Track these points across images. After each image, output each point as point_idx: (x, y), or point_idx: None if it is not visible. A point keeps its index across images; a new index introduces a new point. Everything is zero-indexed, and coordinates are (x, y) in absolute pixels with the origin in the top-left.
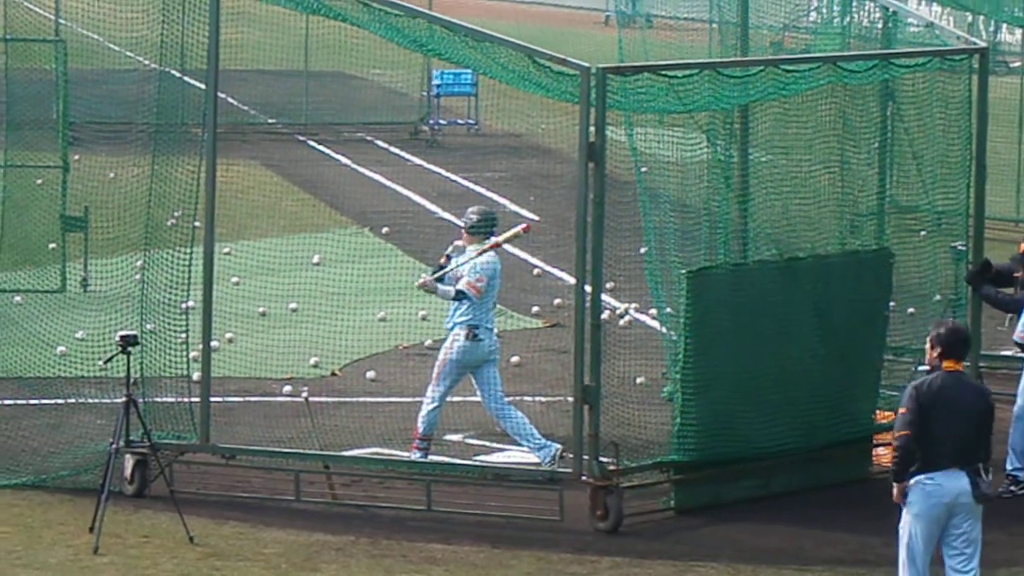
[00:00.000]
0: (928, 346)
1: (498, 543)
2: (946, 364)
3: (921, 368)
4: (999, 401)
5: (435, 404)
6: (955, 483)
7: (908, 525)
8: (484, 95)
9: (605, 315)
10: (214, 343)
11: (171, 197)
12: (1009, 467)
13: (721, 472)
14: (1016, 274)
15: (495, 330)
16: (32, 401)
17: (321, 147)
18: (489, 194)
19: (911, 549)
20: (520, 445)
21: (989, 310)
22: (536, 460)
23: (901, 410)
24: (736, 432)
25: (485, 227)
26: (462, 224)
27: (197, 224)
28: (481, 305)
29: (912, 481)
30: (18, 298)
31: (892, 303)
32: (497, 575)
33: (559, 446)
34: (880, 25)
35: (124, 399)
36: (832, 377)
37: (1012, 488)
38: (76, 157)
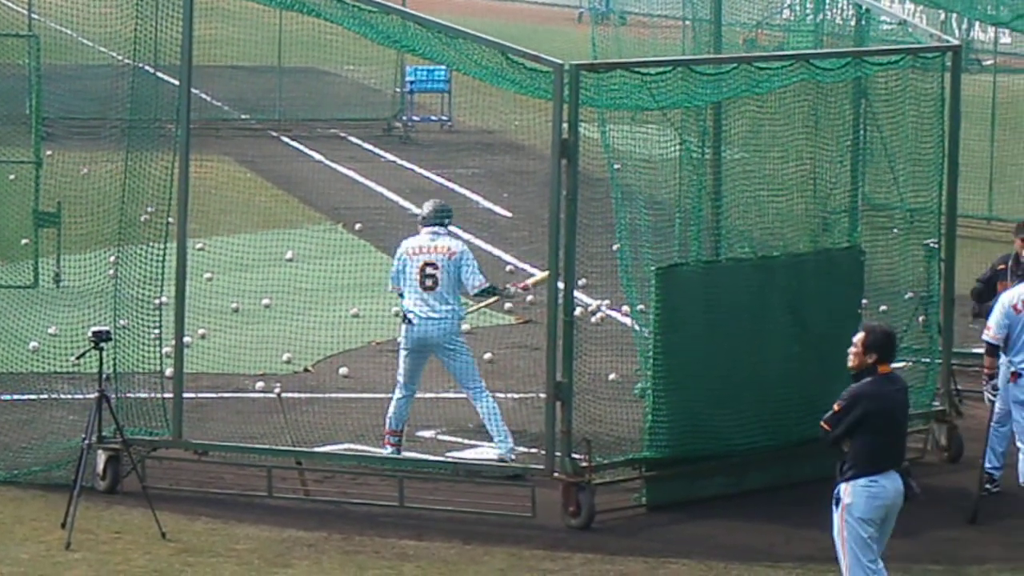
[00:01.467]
0: (859, 350)
1: (470, 539)
2: (882, 368)
3: (894, 365)
4: (970, 398)
5: (398, 395)
6: (894, 484)
7: (851, 529)
8: (457, 91)
9: (577, 312)
10: (187, 339)
11: (144, 193)
12: (987, 465)
13: (693, 469)
14: (1000, 266)
15: (443, 318)
16: (4, 397)
17: (294, 143)
18: (462, 190)
19: (855, 553)
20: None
21: (961, 308)
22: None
23: (835, 406)
24: (708, 429)
25: (436, 219)
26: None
27: (170, 220)
28: (406, 292)
29: (852, 484)
30: None
31: (864, 300)
32: (469, 571)
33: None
34: (853, 22)
35: (96, 395)
36: (804, 374)
37: (987, 486)
38: (49, 153)
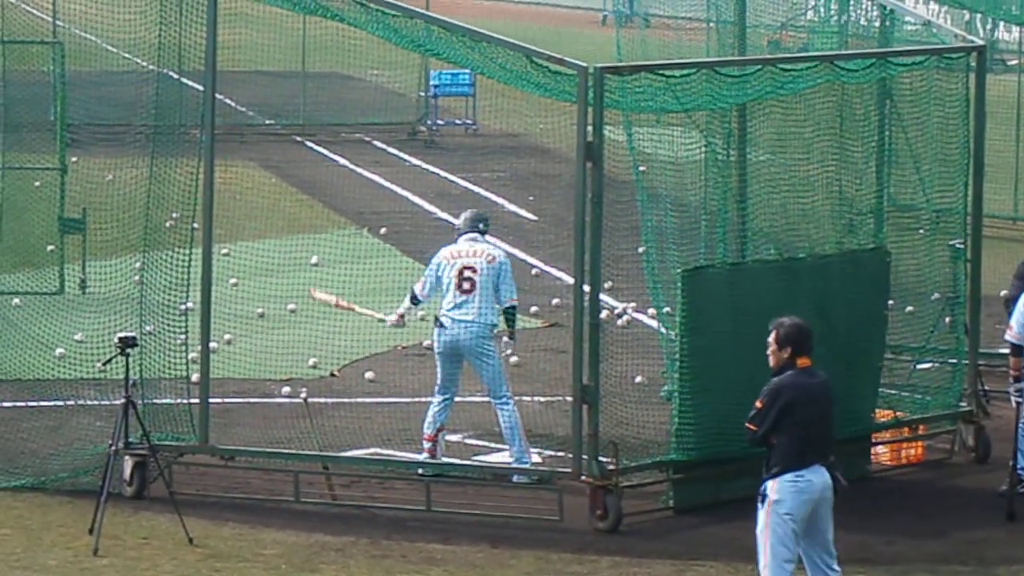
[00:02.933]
0: (774, 347)
1: (498, 543)
2: (800, 361)
3: (921, 366)
4: (997, 399)
5: (435, 400)
6: (821, 478)
7: (775, 526)
8: (482, 95)
9: (604, 315)
10: (213, 344)
11: (169, 198)
12: (1018, 466)
13: (720, 471)
14: None
15: (474, 323)
16: (31, 403)
17: (319, 148)
18: (487, 194)
19: (776, 551)
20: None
21: (988, 308)
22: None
23: (757, 403)
24: (735, 431)
25: (471, 226)
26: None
27: (195, 225)
28: (444, 297)
29: (779, 481)
30: (16, 300)
31: (891, 301)
32: (497, 575)
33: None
34: (877, 23)
35: (123, 401)
36: (831, 376)
37: (1017, 487)
38: (74, 159)
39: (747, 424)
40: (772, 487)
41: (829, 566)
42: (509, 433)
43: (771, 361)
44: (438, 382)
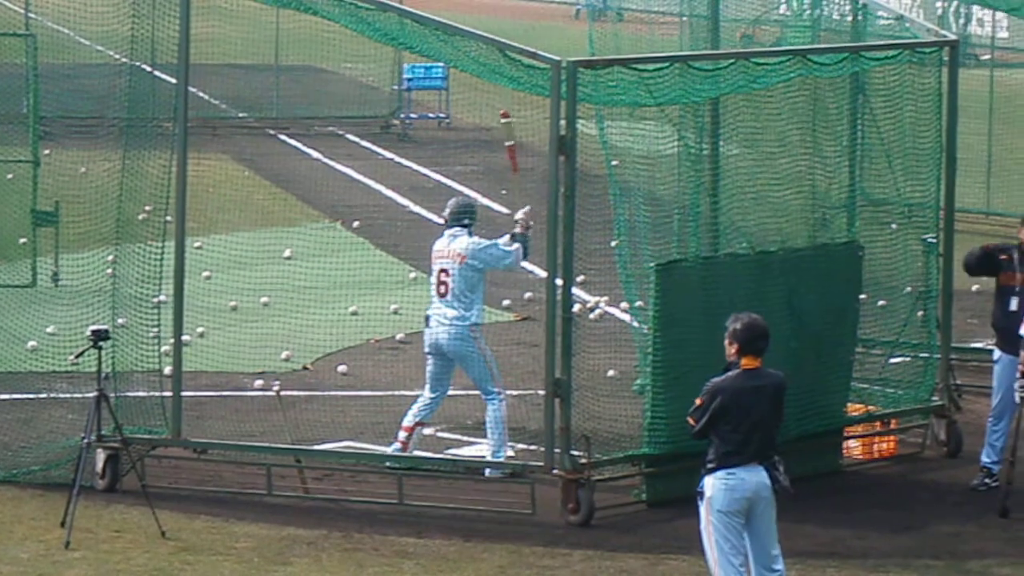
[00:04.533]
0: (727, 341)
1: (470, 536)
2: (744, 361)
3: (892, 361)
4: (969, 393)
5: (422, 395)
6: (756, 477)
7: (715, 521)
8: (455, 89)
9: (576, 308)
10: (185, 337)
11: (142, 191)
12: (985, 459)
13: (692, 465)
14: (1002, 256)
15: (451, 325)
16: (3, 396)
17: (292, 141)
18: (460, 187)
19: (721, 547)
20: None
21: (960, 303)
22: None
23: (697, 400)
24: None
25: (454, 220)
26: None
27: (168, 218)
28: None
29: (712, 477)
30: None
31: (863, 296)
32: (469, 568)
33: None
34: (850, 18)
35: (95, 394)
36: (803, 370)
37: (987, 480)
38: (47, 152)
39: (688, 418)
40: (707, 483)
41: (768, 567)
42: (491, 427)
43: (726, 352)
44: (427, 379)
